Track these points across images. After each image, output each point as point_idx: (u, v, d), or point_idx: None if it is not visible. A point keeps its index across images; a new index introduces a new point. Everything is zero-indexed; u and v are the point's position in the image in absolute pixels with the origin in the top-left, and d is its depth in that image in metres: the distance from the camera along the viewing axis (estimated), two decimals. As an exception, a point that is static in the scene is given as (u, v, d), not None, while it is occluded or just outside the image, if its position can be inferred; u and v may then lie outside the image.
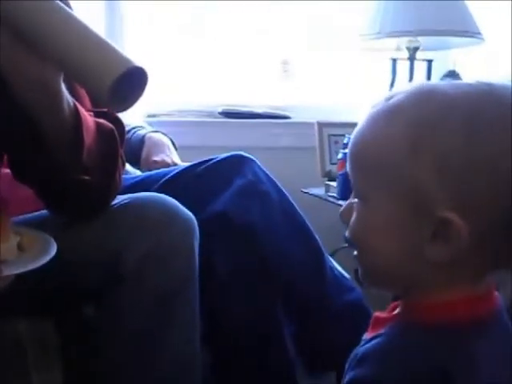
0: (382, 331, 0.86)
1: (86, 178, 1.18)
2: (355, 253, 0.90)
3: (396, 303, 0.91)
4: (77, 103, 1.15)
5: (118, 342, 1.26)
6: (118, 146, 1.26)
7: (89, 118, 1.18)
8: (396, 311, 0.90)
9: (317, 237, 1.71)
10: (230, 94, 3.01)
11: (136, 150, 2.16)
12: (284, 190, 1.70)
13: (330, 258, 1.77)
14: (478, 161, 0.78)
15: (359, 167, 0.87)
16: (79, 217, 1.29)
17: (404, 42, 2.57)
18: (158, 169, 1.89)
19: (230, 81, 3.00)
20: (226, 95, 3.00)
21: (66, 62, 0.97)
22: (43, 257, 1.07)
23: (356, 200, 0.88)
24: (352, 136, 0.88)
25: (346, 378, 0.84)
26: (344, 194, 2.24)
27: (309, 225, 1.70)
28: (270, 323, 1.62)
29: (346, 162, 2.25)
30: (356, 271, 2.42)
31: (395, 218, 0.83)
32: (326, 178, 2.56)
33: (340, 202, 2.26)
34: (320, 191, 2.51)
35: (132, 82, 0.97)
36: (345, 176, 2.22)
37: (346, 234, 0.90)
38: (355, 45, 2.64)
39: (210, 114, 2.93)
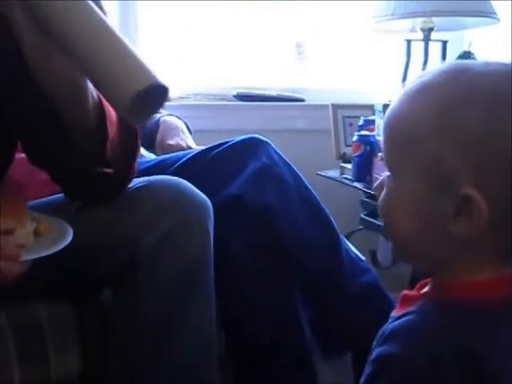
0: (411, 309, 0.87)
1: (109, 171, 1.19)
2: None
3: (424, 282, 0.93)
4: (100, 96, 1.15)
5: (136, 326, 1.27)
6: (138, 138, 1.26)
7: (112, 111, 1.19)
8: (425, 289, 0.92)
9: (332, 219, 1.71)
10: (244, 76, 3.01)
11: (151, 134, 2.16)
12: (299, 173, 1.70)
13: (346, 241, 1.77)
14: (496, 140, 0.80)
15: (390, 142, 0.89)
16: (95, 202, 1.29)
17: (418, 22, 2.56)
18: (173, 152, 1.89)
19: (244, 64, 3.00)
20: (240, 78, 3.00)
21: (91, 68, 0.97)
22: (60, 242, 1.08)
23: (388, 174, 0.90)
24: (386, 112, 0.90)
25: (373, 354, 0.85)
26: (359, 176, 2.23)
27: (324, 207, 1.70)
28: (287, 306, 1.62)
29: (360, 144, 2.26)
30: (372, 253, 2.42)
31: (421, 194, 0.85)
32: (341, 161, 2.55)
33: (355, 184, 2.26)
34: (335, 173, 2.51)
35: (152, 95, 0.97)
36: (360, 158, 2.22)
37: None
38: (369, 26, 2.63)
39: (225, 98, 2.93)
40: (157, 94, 0.98)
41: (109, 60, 0.95)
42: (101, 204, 1.28)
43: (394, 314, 0.91)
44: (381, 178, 0.93)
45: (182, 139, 2.11)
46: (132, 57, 0.96)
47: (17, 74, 1.08)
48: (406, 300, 0.92)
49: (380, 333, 0.88)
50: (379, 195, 0.92)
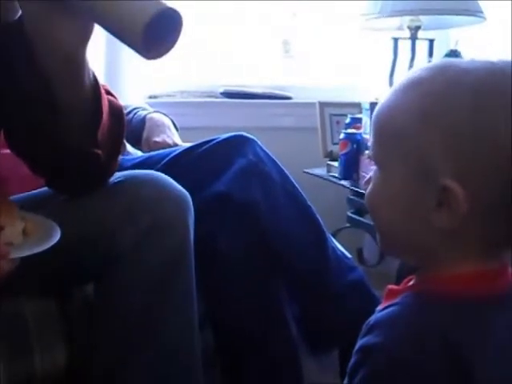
0: (394, 301, 0.88)
1: (99, 151, 1.19)
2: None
3: (409, 277, 0.93)
4: (96, 75, 1.14)
5: (117, 321, 1.27)
6: (125, 125, 1.26)
7: (105, 95, 1.18)
8: (410, 283, 0.92)
9: (319, 217, 1.71)
10: (231, 74, 3.00)
11: (137, 131, 2.16)
12: (285, 171, 1.70)
13: (332, 238, 1.78)
14: (480, 135, 0.81)
15: (378, 137, 0.90)
16: (78, 193, 1.29)
17: (405, 21, 2.56)
18: (159, 149, 1.89)
19: (231, 61, 2.99)
20: (227, 76, 2.99)
21: (98, 7, 0.96)
22: (48, 241, 1.08)
23: (375, 168, 0.91)
24: (375, 108, 0.92)
25: (357, 345, 0.86)
26: (346, 174, 2.24)
27: (311, 205, 1.71)
28: (273, 304, 1.62)
29: (347, 142, 2.26)
30: (358, 251, 2.42)
31: (406, 188, 0.86)
32: (328, 158, 2.55)
33: (342, 182, 2.26)
34: (322, 171, 2.51)
35: (166, 26, 0.96)
36: (346, 156, 2.22)
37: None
38: (356, 24, 2.64)
39: (212, 95, 2.93)
40: (170, 25, 0.97)
41: None
42: (83, 195, 1.28)
43: (380, 307, 0.91)
44: (370, 173, 0.94)
45: (168, 136, 2.11)
46: None
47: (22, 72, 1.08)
48: (391, 294, 0.92)
49: (365, 324, 0.89)
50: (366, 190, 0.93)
